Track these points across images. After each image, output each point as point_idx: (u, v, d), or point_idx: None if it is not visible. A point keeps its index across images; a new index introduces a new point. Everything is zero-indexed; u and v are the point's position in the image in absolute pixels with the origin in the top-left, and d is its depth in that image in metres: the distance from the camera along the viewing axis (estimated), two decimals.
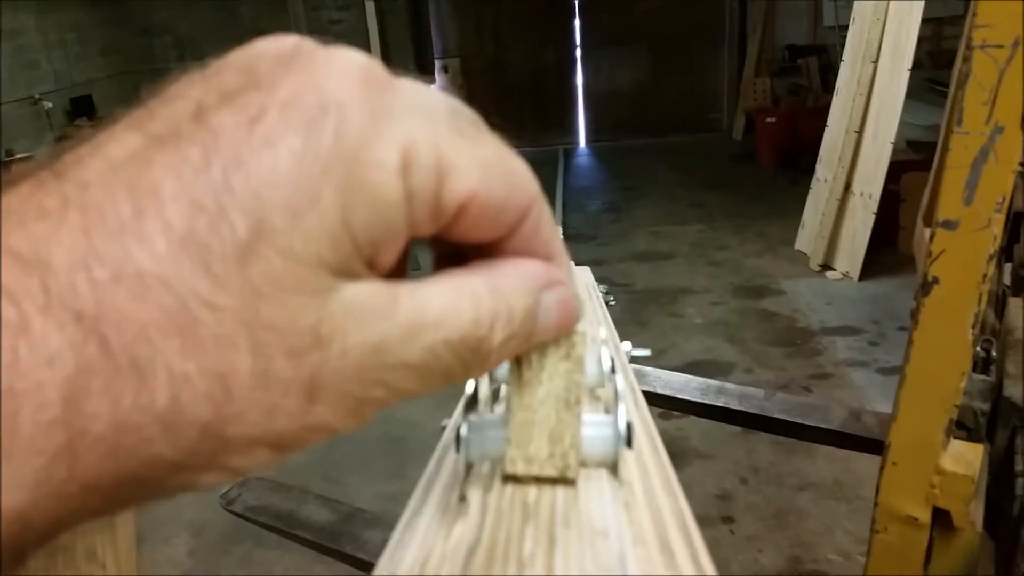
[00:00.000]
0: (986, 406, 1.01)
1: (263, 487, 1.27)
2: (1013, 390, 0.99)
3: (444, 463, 0.35)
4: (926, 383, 0.94)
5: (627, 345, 0.64)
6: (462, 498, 0.31)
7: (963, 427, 0.99)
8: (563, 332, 0.28)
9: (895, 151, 4.21)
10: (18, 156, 5.05)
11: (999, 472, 1.00)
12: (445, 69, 8.82)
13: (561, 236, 0.28)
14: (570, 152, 8.88)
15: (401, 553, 0.28)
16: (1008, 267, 1.35)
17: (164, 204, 0.19)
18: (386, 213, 0.21)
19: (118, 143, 0.20)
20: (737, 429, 2.63)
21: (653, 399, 1.44)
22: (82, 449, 0.18)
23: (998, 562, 0.98)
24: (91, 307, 0.18)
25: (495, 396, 0.42)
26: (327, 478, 2.83)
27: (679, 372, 1.51)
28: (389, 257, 0.22)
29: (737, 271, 4.86)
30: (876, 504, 1.03)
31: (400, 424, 3.07)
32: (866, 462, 1.37)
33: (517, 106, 8.89)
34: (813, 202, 4.84)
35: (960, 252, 0.87)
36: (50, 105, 6.21)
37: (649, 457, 0.35)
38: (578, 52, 8.99)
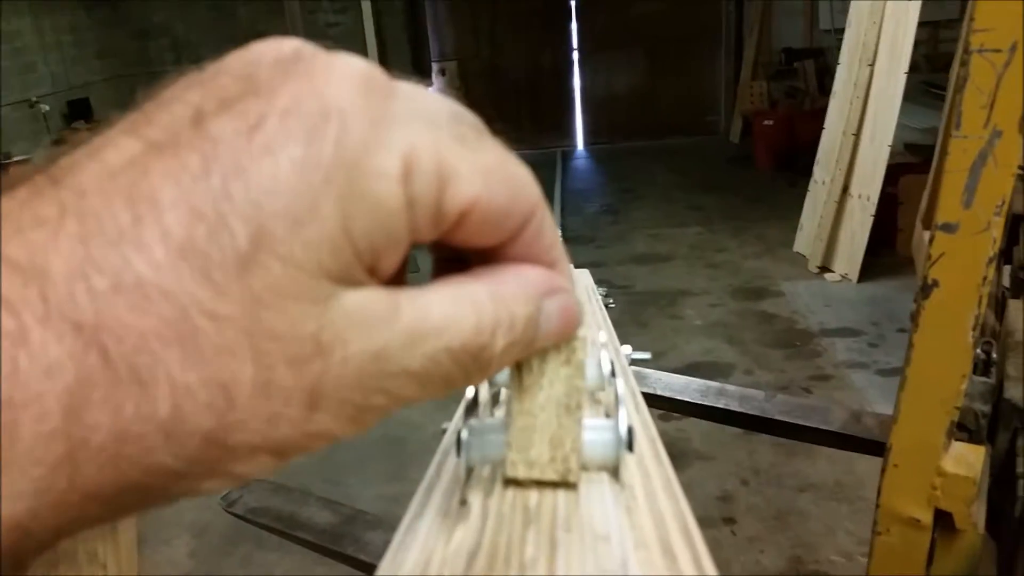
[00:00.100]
0: (987, 408, 1.01)
1: (264, 489, 1.27)
2: (1014, 392, 0.99)
3: (445, 467, 0.35)
4: (927, 385, 0.94)
5: (627, 348, 0.64)
6: (463, 502, 0.31)
7: (964, 429, 0.99)
8: (564, 338, 0.28)
9: (892, 154, 4.21)
10: (15, 159, 5.04)
11: (1000, 474, 1.00)
12: (442, 72, 8.82)
13: (561, 240, 0.28)
14: (568, 155, 8.88)
15: (402, 556, 0.28)
16: (1007, 269, 1.35)
17: (163, 212, 0.19)
18: (387, 221, 0.21)
19: (116, 149, 0.20)
20: (738, 431, 2.62)
21: (653, 401, 1.44)
22: (82, 459, 0.18)
23: (1000, 564, 0.98)
24: (90, 317, 0.18)
25: (495, 400, 0.42)
26: (328, 480, 2.83)
27: (679, 374, 1.51)
28: (390, 264, 0.22)
29: (736, 273, 4.86)
30: (878, 506, 1.03)
31: (400, 426, 3.06)
32: (867, 463, 1.37)
33: (515, 109, 8.90)
34: (811, 204, 4.84)
35: (960, 255, 0.87)
36: (47, 108, 6.20)
37: (650, 460, 0.35)
38: (575, 55, 9.00)
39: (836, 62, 4.70)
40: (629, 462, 0.33)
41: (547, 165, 7.77)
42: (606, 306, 0.95)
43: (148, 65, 8.03)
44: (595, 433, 0.32)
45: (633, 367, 0.63)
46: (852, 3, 4.44)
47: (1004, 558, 0.96)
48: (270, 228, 0.19)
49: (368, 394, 0.21)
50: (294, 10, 3.98)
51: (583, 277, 1.03)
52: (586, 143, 9.26)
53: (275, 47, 0.23)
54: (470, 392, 0.35)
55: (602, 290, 1.08)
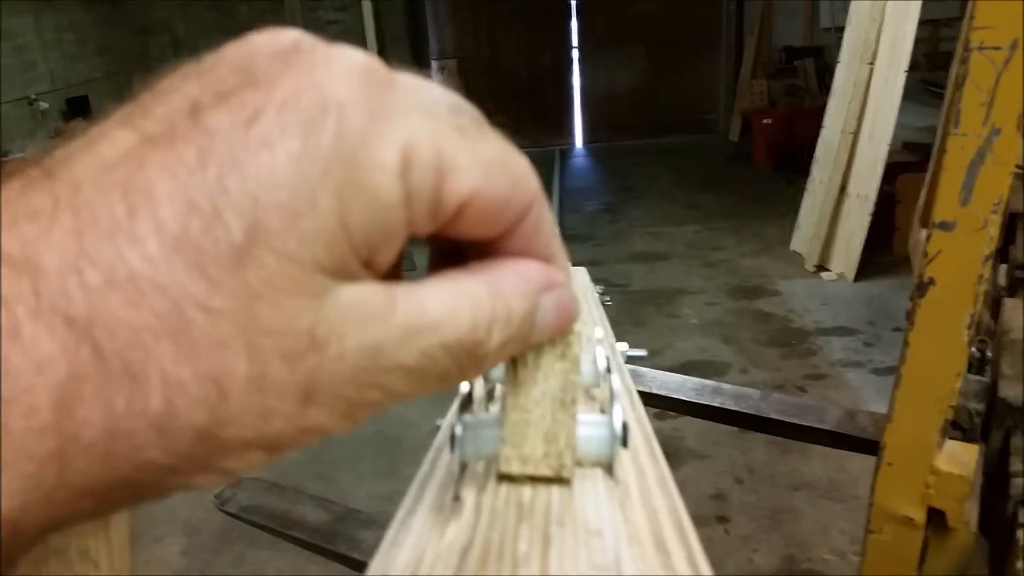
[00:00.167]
0: (981, 407, 1.01)
1: (257, 487, 1.26)
2: (1008, 391, 0.99)
3: (439, 462, 0.35)
4: (922, 384, 0.94)
5: (623, 345, 0.64)
6: (456, 498, 0.31)
7: (958, 427, 0.99)
8: (560, 333, 0.28)
9: (891, 153, 4.21)
10: (13, 157, 5.03)
11: (994, 472, 1.00)
12: (442, 70, 8.81)
13: (559, 234, 0.27)
14: (567, 153, 8.89)
15: (395, 552, 0.27)
16: (1003, 268, 1.35)
17: (157, 205, 0.19)
18: (385, 214, 0.21)
19: (111, 141, 0.20)
20: (732, 429, 2.63)
21: (649, 399, 1.44)
22: (73, 455, 0.18)
23: (992, 562, 0.99)
24: (83, 311, 0.18)
25: (490, 395, 0.42)
26: (320, 477, 2.83)
27: (675, 372, 1.51)
28: (387, 257, 0.22)
29: (733, 272, 4.87)
30: (871, 504, 1.03)
31: (394, 424, 3.06)
32: (861, 462, 1.37)
33: (514, 107, 8.89)
34: (809, 203, 4.85)
35: (956, 253, 0.87)
36: (46, 106, 6.18)
37: (645, 457, 0.35)
38: (575, 53, 8.99)
39: (836, 60, 4.70)
40: (623, 458, 0.33)
41: (546, 163, 7.77)
42: (603, 304, 0.95)
43: (148, 63, 8.01)
44: (590, 429, 0.32)
45: (628, 365, 0.63)
46: (852, 2, 4.44)
47: (996, 557, 0.96)
48: (266, 221, 0.19)
49: (362, 389, 0.21)
50: (294, 7, 3.97)
51: (580, 275, 1.02)
52: (585, 141, 9.27)
53: (273, 38, 0.22)
54: (464, 387, 0.35)
55: (599, 288, 1.07)
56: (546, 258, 0.26)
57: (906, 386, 0.95)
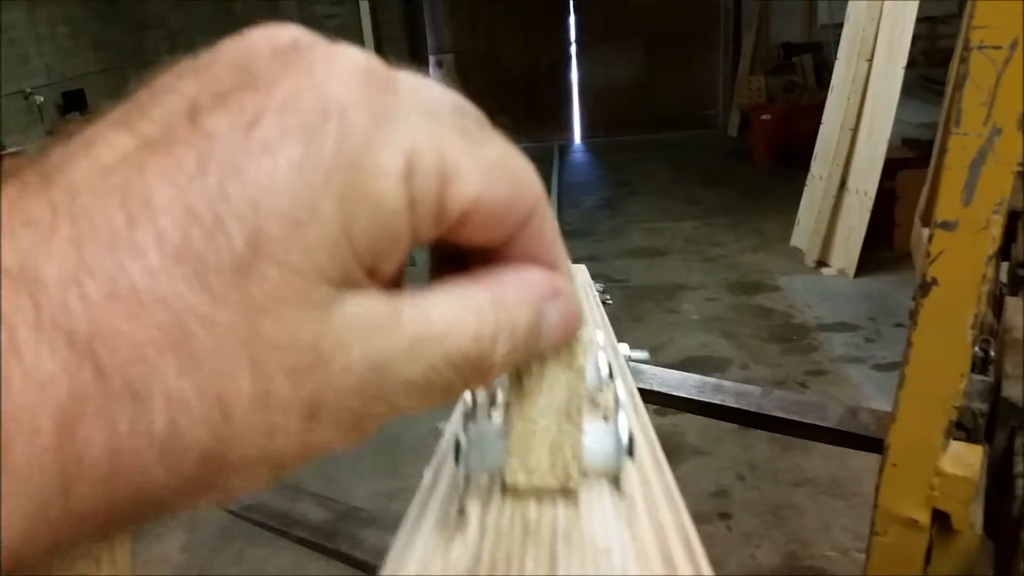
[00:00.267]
0: (985, 407, 1.00)
1: None
2: (1012, 391, 0.99)
3: (442, 473, 0.35)
4: (925, 385, 0.94)
5: (625, 347, 0.64)
6: (461, 511, 0.30)
7: (962, 428, 0.99)
8: (565, 343, 0.28)
9: (890, 149, 4.21)
10: (9, 151, 5.02)
11: (998, 473, 1.00)
12: (439, 65, 8.81)
13: (562, 238, 0.27)
14: (565, 148, 8.88)
15: (400, 568, 0.27)
16: (1005, 266, 1.35)
17: (158, 213, 0.18)
18: (388, 221, 0.20)
19: (108, 144, 0.19)
20: (733, 425, 2.63)
21: (650, 397, 1.44)
22: (76, 478, 0.17)
23: (997, 563, 0.98)
24: (84, 327, 0.17)
25: (492, 400, 0.42)
26: (320, 475, 2.82)
27: (676, 368, 1.51)
28: (390, 265, 0.21)
29: (733, 267, 4.87)
30: (876, 506, 1.02)
31: (394, 421, 3.01)
32: (863, 458, 1.37)
33: (512, 102, 8.88)
34: (808, 199, 4.85)
35: (959, 253, 0.86)
36: (41, 99, 6.15)
37: (650, 466, 0.35)
38: (573, 48, 8.99)
39: (834, 57, 4.70)
40: (629, 468, 0.33)
41: (544, 159, 7.76)
42: (603, 303, 0.94)
43: (144, 57, 8.00)
44: (596, 439, 0.32)
45: (629, 363, 0.63)
46: None
47: (1001, 558, 0.96)
48: (268, 231, 0.18)
49: (368, 403, 0.21)
50: (290, 3, 3.96)
51: (580, 273, 1.02)
52: (583, 136, 9.26)
53: (272, 35, 0.22)
54: (467, 396, 0.35)
55: (599, 286, 1.07)
56: (549, 263, 0.25)
57: (910, 387, 0.94)
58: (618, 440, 0.32)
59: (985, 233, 0.84)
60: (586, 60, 9.01)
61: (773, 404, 1.42)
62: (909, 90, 4.35)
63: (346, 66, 0.21)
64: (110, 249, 0.18)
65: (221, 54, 0.21)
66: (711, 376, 3.36)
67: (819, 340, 3.80)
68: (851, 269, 4.45)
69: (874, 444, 1.17)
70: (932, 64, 6.39)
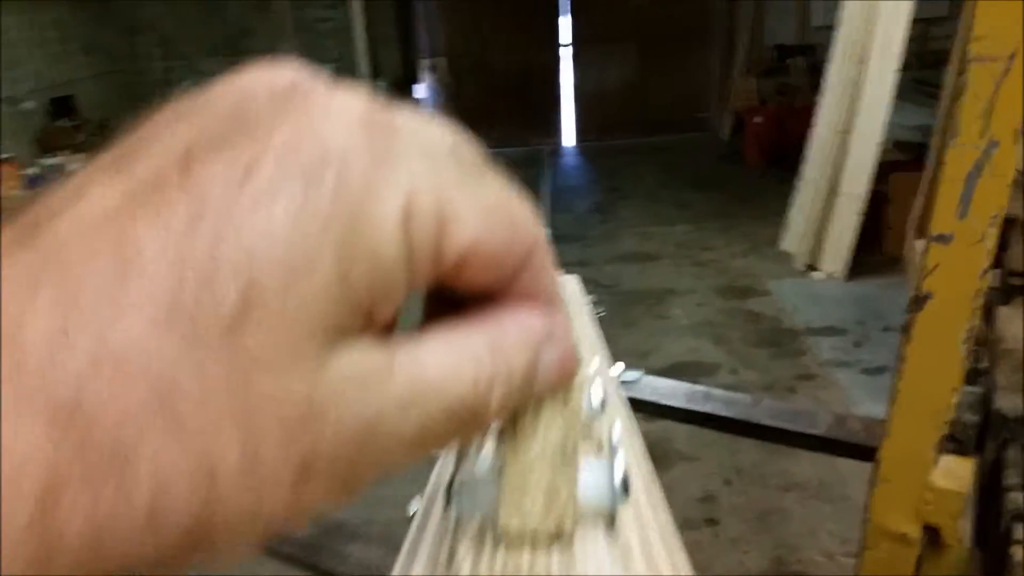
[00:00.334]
0: (976, 418, 1.00)
1: None
2: (1003, 402, 0.99)
3: (432, 513, 0.34)
4: (918, 399, 0.94)
5: (619, 367, 0.63)
6: (452, 555, 0.29)
7: (952, 439, 0.99)
8: (561, 386, 0.27)
9: (882, 151, 4.23)
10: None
11: (988, 484, 1.00)
12: (432, 69, 8.80)
13: (559, 280, 0.26)
14: (557, 152, 8.88)
15: None
16: (995, 272, 1.35)
17: (147, 269, 0.17)
18: (386, 268, 0.20)
19: (98, 193, 0.18)
20: None
21: (640, 405, 1.43)
22: (57, 555, 0.16)
23: (986, 575, 0.98)
24: (68, 393, 0.16)
25: (483, 438, 0.41)
26: None
27: (664, 373, 1.51)
28: (386, 311, 0.20)
29: (723, 272, 4.88)
30: (866, 521, 1.02)
31: None
32: (850, 462, 1.38)
33: (504, 105, 8.89)
34: (800, 202, 4.86)
35: (954, 267, 0.86)
36: (30, 105, 6.12)
37: (644, 505, 0.34)
38: (565, 52, 9.00)
39: (827, 59, 4.71)
40: (625, 509, 0.32)
41: (536, 162, 7.77)
42: (596, 315, 0.93)
43: (135, 62, 7.96)
44: (591, 478, 0.31)
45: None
46: (844, 1, 4.45)
47: (990, 570, 0.96)
48: (262, 283, 0.18)
49: (360, 459, 0.20)
50: (283, 5, 3.94)
51: (571, 284, 1.01)
52: (576, 140, 9.27)
53: (269, 77, 0.21)
54: None
55: (591, 296, 1.06)
56: (546, 303, 0.25)
57: (902, 401, 0.94)
58: (613, 480, 0.31)
59: (980, 247, 0.84)
60: (579, 63, 9.02)
61: (763, 413, 1.42)
62: (902, 93, 4.37)
63: (345, 111, 0.20)
64: (97, 308, 0.17)
65: (216, 96, 0.21)
66: (700, 381, 3.37)
67: (808, 344, 3.81)
68: (841, 273, 4.47)
69: (863, 452, 1.17)
70: (924, 66, 6.41)
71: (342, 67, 7.56)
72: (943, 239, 0.86)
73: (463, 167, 0.22)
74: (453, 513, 0.30)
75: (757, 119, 7.08)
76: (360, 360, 0.20)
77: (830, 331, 3.93)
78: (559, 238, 5.58)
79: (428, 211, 0.20)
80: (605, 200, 6.81)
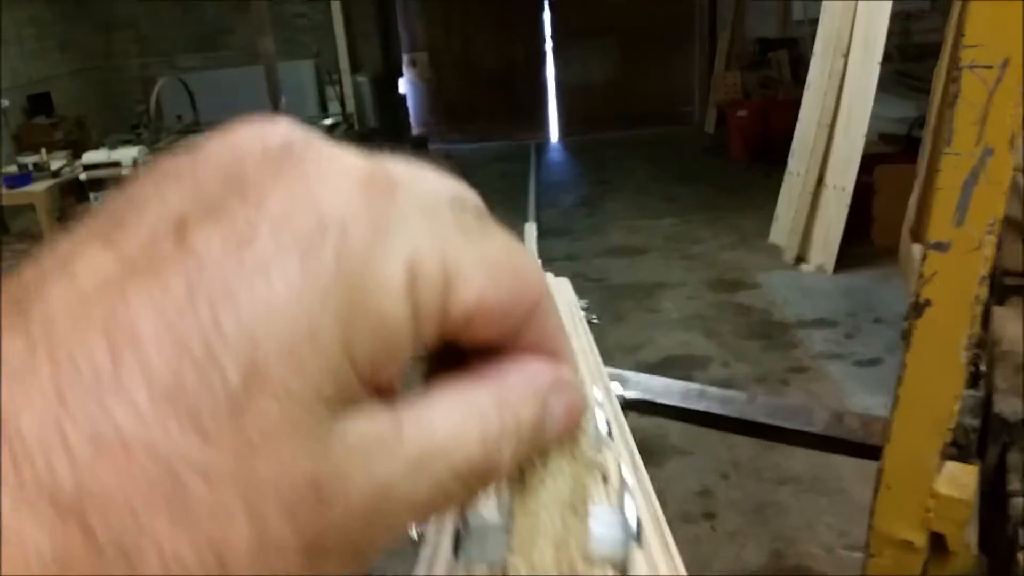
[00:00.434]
0: (976, 422, 1.00)
1: None
2: (1003, 406, 0.99)
3: (437, 561, 0.33)
4: (920, 406, 0.93)
5: (616, 387, 0.62)
6: None
7: (954, 444, 0.99)
8: (568, 435, 0.26)
9: (867, 144, 4.25)
10: None
11: (991, 489, 0.99)
12: (413, 63, 8.77)
13: (565, 328, 0.26)
14: (542, 147, 8.87)
15: None
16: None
17: (145, 349, 0.16)
18: (391, 334, 0.19)
19: (87, 265, 0.17)
20: None
21: (634, 404, 1.43)
22: None
23: None
24: (69, 485, 0.16)
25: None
26: None
27: (656, 367, 1.50)
28: (390, 374, 0.20)
29: (712, 265, 4.89)
30: (870, 527, 1.02)
31: None
32: (844, 456, 1.38)
33: (487, 100, 8.88)
34: (786, 195, 4.87)
35: (952, 275, 0.86)
36: (7, 103, 6.06)
37: (656, 547, 0.33)
38: (549, 46, 8.98)
39: (810, 52, 4.73)
40: (637, 556, 0.31)
41: (521, 157, 7.75)
42: (589, 322, 0.92)
43: (112, 59, 7.90)
44: (601, 526, 0.30)
45: (613, 369, 0.61)
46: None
47: (997, 575, 0.96)
48: (264, 362, 0.17)
49: (372, 531, 0.19)
50: (260, 4, 3.89)
51: (564, 290, 1.00)
52: (560, 135, 9.26)
53: (261, 136, 0.20)
54: None
55: (583, 302, 1.05)
56: (551, 352, 0.24)
57: (904, 408, 0.94)
58: (626, 527, 0.30)
59: (977, 254, 0.84)
60: (562, 57, 9.01)
61: (759, 410, 1.42)
62: (884, 85, 4.39)
63: (342, 173, 0.19)
64: (94, 393, 0.16)
65: (206, 156, 0.20)
66: (692, 374, 3.35)
67: (799, 337, 3.82)
68: (830, 265, 4.49)
69: (861, 449, 1.17)
70: (907, 59, 6.45)
71: (322, 63, 7.53)
72: (940, 247, 0.85)
73: (465, 220, 0.22)
74: (461, 564, 0.30)
75: (741, 112, 7.10)
76: (366, 428, 0.19)
77: (821, 323, 3.94)
78: (546, 233, 5.57)
79: (433, 271, 0.20)
80: (591, 194, 6.81)
